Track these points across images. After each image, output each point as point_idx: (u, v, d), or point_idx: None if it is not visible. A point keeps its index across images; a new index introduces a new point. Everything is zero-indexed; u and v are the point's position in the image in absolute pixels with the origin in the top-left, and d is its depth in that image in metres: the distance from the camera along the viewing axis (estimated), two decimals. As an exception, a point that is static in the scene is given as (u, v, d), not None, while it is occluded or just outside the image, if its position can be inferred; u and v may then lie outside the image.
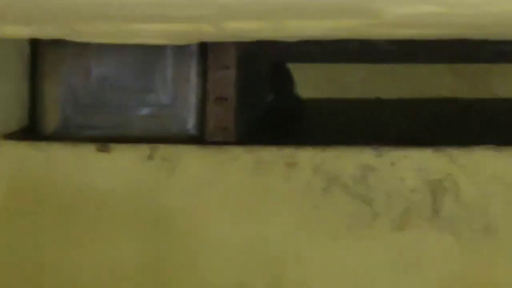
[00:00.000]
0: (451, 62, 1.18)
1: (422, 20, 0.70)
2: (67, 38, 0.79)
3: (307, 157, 0.85)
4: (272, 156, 0.85)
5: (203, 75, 0.88)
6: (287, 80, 1.12)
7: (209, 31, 0.75)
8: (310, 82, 1.18)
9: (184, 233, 0.86)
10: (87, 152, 0.87)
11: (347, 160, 0.85)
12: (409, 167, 0.84)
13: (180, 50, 0.88)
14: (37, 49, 0.89)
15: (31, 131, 0.90)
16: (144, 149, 0.87)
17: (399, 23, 0.71)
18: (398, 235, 0.84)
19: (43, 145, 0.87)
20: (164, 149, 0.86)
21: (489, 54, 1.00)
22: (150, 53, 0.88)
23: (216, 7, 0.65)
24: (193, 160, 0.86)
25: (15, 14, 0.67)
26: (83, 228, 0.87)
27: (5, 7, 0.64)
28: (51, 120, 0.89)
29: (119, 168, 0.87)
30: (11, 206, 0.87)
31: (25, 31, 0.74)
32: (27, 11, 0.66)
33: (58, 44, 0.84)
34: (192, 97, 0.89)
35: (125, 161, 0.87)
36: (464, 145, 0.84)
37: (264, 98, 1.06)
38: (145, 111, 0.89)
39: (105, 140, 0.87)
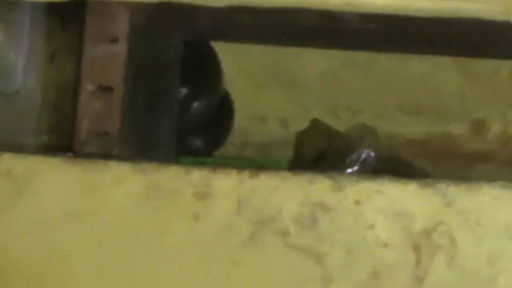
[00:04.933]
0: (460, 56, 1.17)
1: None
2: None
3: (229, 185, 0.82)
4: (176, 180, 0.83)
5: (76, 51, 0.86)
6: (212, 68, 1.12)
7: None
8: (244, 73, 1.17)
9: (33, 289, 0.86)
10: None
11: (289, 193, 0.82)
12: (383, 209, 0.81)
13: (40, 12, 0.87)
14: None
15: None
16: (-19, 159, 0.88)
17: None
18: (365, 316, 0.84)
19: None
20: (9, 161, 0.84)
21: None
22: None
23: None
24: (53, 180, 0.83)
25: None
26: None
27: None
28: None
29: None
30: None
31: None
32: None
33: None
34: (55, 84, 0.88)
35: None
36: (466, 180, 0.81)
37: (174, 93, 1.05)
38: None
39: None
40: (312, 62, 1.27)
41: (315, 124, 1.13)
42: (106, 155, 0.84)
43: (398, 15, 0.79)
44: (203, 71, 1.11)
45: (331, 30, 0.94)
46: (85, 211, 0.82)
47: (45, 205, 0.82)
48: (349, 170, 0.98)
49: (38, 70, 0.87)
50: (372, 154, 1.05)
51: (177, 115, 1.05)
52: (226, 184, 0.81)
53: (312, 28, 0.93)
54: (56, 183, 0.82)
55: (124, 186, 0.82)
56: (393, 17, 0.80)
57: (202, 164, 0.90)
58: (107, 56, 0.85)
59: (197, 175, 0.81)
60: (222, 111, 1.16)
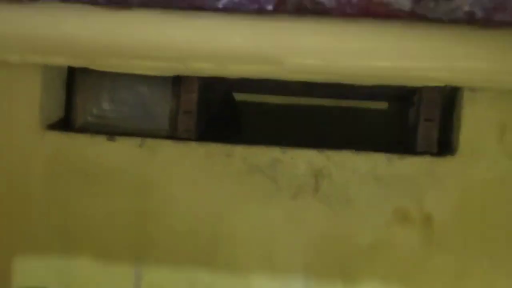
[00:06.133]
0: (337, 98, 1.18)
1: (311, 69, 0.73)
2: (91, 67, 0.82)
3: (239, 151, 0.89)
4: (217, 149, 0.89)
5: (177, 96, 0.91)
6: (232, 103, 1.13)
7: (181, 68, 0.77)
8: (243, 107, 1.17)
9: (159, 196, 0.90)
10: (101, 141, 0.90)
11: (264, 154, 0.88)
12: (302, 160, 0.88)
13: (165, 79, 0.91)
14: (74, 71, 0.92)
15: (65, 124, 0.94)
16: (137, 140, 0.90)
17: (296, 70, 0.74)
18: (293, 203, 0.88)
19: (73, 135, 0.91)
20: (150, 141, 0.90)
21: (362, 94, 1.05)
22: (146, 79, 0.91)
23: (182, 52, 0.71)
24: (168, 149, 0.89)
25: (56, 50, 0.72)
26: (97, 192, 0.91)
27: (51, 46, 0.70)
28: (79, 118, 0.94)
29: (120, 152, 0.90)
30: (48, 179, 0.90)
31: (62, 61, 0.78)
32: (62, 49, 0.71)
33: (87, 69, 0.85)
34: (170, 110, 0.93)
35: (124, 147, 0.90)
36: (336, 148, 0.88)
37: (216, 109, 1.06)
38: (141, 116, 0.93)
39: (112, 133, 0.91)
40: (276, 100, 1.20)
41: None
42: (189, 139, 0.90)
43: (308, 81, 0.80)
44: (229, 103, 1.12)
45: (282, 87, 0.94)
46: (180, 162, 0.89)
47: (164, 159, 0.89)
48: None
49: (159, 103, 0.91)
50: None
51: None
52: (238, 150, 0.89)
53: (274, 86, 0.96)
54: (169, 151, 0.89)
55: (195, 152, 0.89)
56: (306, 82, 0.81)
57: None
58: (189, 99, 0.91)
59: (227, 147, 0.88)
60: (238, 119, 1.15)
